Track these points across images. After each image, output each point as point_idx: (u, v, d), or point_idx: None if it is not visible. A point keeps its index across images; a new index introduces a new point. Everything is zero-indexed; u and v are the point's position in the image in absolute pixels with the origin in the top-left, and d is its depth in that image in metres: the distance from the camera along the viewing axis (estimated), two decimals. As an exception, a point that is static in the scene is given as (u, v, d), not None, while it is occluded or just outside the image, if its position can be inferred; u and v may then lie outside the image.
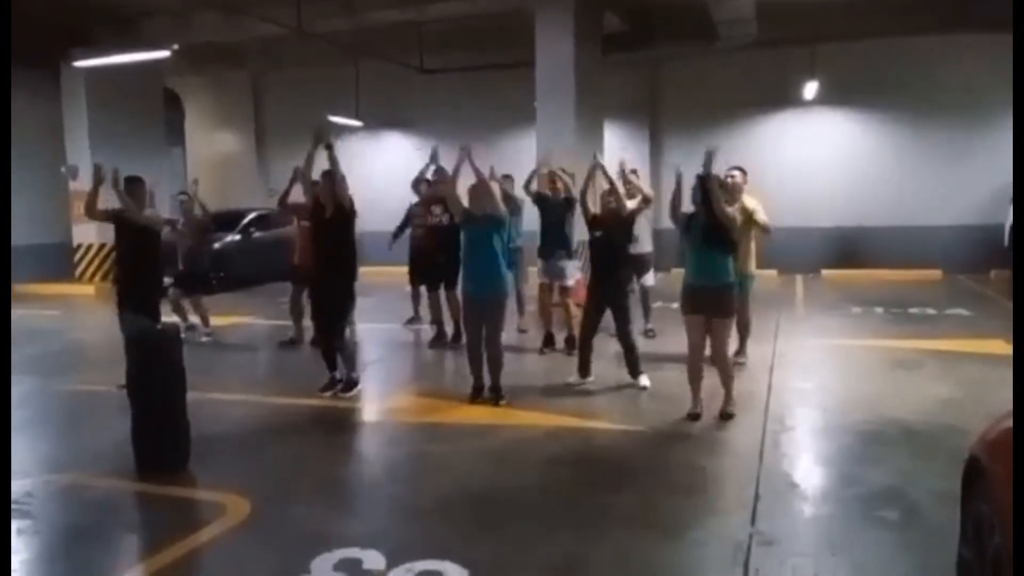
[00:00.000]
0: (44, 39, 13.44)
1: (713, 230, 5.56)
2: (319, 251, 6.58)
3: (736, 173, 7.17)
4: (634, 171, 8.18)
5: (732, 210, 6.55)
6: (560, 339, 8.16)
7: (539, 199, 8.34)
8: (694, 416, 5.67)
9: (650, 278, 8.67)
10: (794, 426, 5.68)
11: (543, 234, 8.25)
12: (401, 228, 9.51)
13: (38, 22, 12.57)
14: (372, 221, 11.41)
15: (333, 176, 6.38)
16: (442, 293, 8.68)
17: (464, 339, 6.88)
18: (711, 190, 5.48)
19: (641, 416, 5.95)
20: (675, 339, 5.84)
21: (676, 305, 5.96)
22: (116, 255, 7.15)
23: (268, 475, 4.85)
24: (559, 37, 11.44)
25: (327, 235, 6.49)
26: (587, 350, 6.80)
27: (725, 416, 5.66)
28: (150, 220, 6.84)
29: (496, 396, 6.24)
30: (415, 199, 9.23)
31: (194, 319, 9.34)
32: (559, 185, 8.16)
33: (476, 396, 6.32)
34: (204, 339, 9.13)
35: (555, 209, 8.13)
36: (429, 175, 8.75)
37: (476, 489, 4.55)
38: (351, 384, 6.62)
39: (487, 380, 6.34)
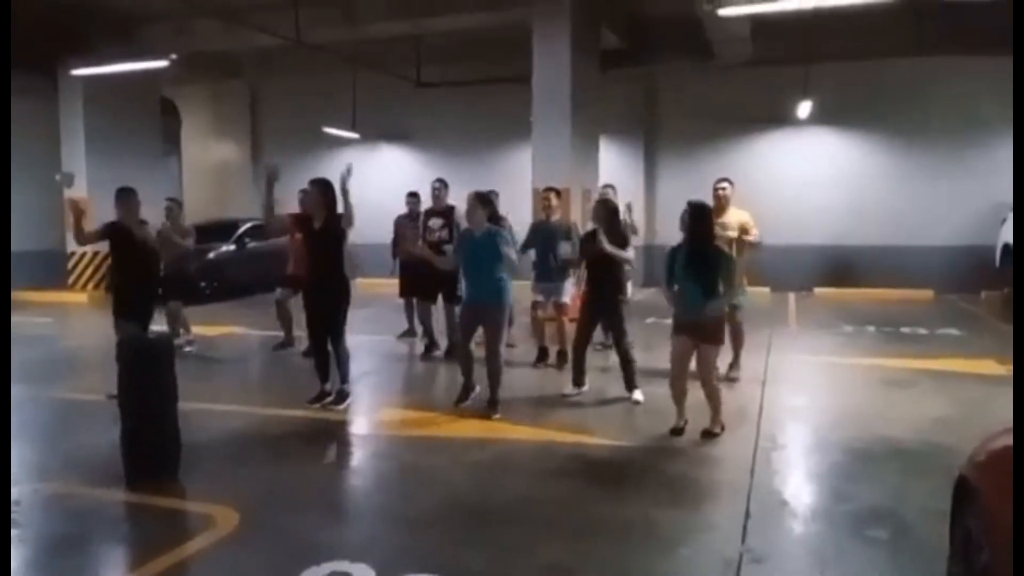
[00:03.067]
0: (41, 45, 13.47)
1: (695, 263, 5.55)
2: (312, 261, 6.57)
3: (725, 184, 7.26)
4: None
5: (725, 222, 6.63)
6: (553, 353, 8.14)
7: (536, 226, 8.18)
8: (677, 431, 5.67)
9: (628, 289, 8.62)
10: (785, 443, 5.69)
11: (539, 260, 8.03)
12: (396, 244, 9.60)
13: (35, 28, 12.58)
14: (367, 234, 11.43)
15: (325, 186, 6.40)
16: (440, 304, 8.67)
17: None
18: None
19: (632, 431, 5.94)
20: (666, 354, 5.86)
21: (668, 321, 5.97)
22: (112, 264, 7.12)
23: (258, 486, 4.82)
24: (556, 52, 11.49)
25: (319, 245, 6.48)
26: (581, 361, 6.86)
27: (706, 435, 5.62)
28: (147, 237, 6.85)
29: (492, 409, 6.23)
30: (402, 211, 9.54)
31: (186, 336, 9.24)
32: (553, 203, 8.05)
33: (464, 397, 6.39)
34: (188, 348, 8.98)
35: (552, 235, 7.90)
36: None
37: (467, 502, 4.54)
38: (342, 396, 6.59)
39: (477, 384, 6.40)
